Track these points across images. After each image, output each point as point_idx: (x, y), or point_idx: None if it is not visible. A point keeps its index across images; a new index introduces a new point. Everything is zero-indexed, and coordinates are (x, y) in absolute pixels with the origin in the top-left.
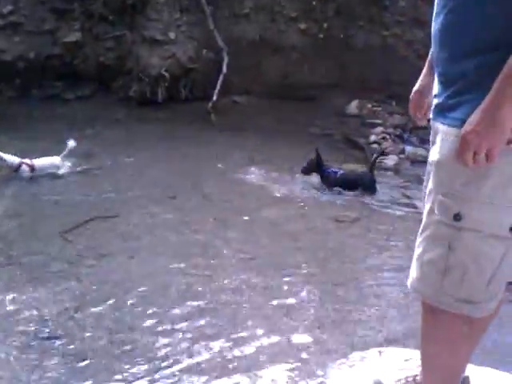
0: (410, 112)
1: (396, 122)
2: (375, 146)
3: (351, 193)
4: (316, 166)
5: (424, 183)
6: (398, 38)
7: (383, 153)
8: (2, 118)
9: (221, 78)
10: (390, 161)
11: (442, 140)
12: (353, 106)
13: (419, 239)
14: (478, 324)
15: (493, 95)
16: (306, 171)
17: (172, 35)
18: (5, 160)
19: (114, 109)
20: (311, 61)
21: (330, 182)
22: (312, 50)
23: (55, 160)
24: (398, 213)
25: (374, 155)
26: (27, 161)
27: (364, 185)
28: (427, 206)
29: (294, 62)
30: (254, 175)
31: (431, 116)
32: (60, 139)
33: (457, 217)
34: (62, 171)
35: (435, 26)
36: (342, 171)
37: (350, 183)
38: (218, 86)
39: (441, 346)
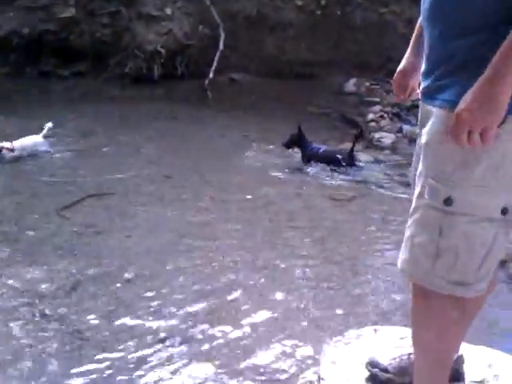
0: (395, 93)
1: (394, 100)
2: (373, 124)
3: (349, 172)
4: (298, 141)
5: (412, 164)
6: (396, 15)
7: (361, 132)
8: None
9: (217, 54)
10: (388, 139)
11: (432, 123)
12: (351, 84)
13: (409, 221)
14: (469, 306)
15: (489, 73)
16: (288, 145)
17: (168, 11)
18: None
19: (109, 86)
20: (308, 38)
21: (312, 157)
22: (309, 27)
23: (37, 139)
24: (395, 192)
25: (355, 135)
26: (7, 144)
27: (344, 161)
28: (417, 189)
29: (291, 39)
30: (250, 154)
31: (420, 97)
32: (54, 116)
33: (447, 201)
34: (45, 149)
35: (424, 3)
36: (323, 147)
37: (331, 159)
38: (215, 63)
39: (432, 330)
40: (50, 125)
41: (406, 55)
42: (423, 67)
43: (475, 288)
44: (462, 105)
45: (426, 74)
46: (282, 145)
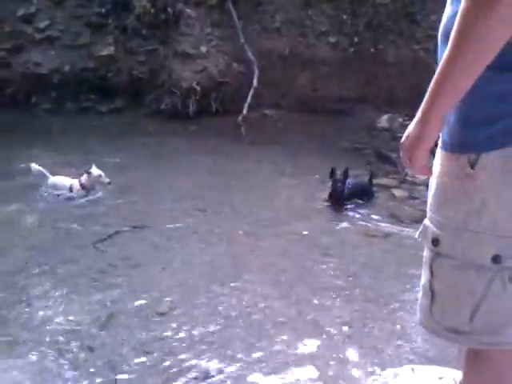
0: None
1: None
2: None
3: (382, 208)
4: (342, 187)
5: None
6: (428, 52)
7: (372, 174)
8: (36, 129)
9: (251, 91)
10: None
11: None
12: (383, 120)
13: None
14: (502, 364)
15: (420, 110)
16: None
17: (203, 49)
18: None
19: (145, 121)
20: (341, 74)
21: (344, 194)
22: (342, 64)
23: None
24: None
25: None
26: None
27: (368, 194)
28: None
29: (325, 76)
30: (283, 188)
31: None
32: (91, 151)
33: (434, 242)
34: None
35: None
36: (349, 182)
37: (358, 193)
38: (249, 99)
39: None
40: (95, 170)
41: None
42: None
43: (477, 340)
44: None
45: None
46: (329, 198)
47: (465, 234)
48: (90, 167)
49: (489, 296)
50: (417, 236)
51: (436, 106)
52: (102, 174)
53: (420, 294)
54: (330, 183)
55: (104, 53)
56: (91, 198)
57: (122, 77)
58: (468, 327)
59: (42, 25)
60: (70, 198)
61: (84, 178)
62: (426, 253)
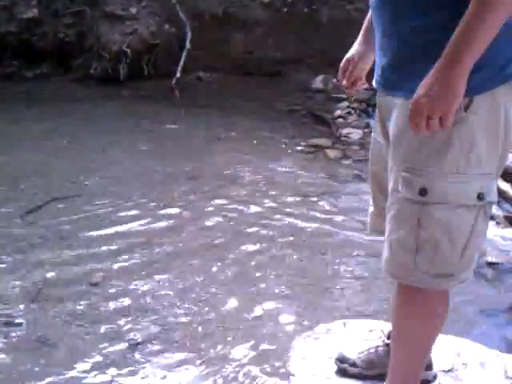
0: (340, 80)
1: (361, 96)
2: (341, 120)
3: (317, 168)
4: None
5: (370, 159)
6: (361, 12)
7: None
8: None
9: (184, 53)
10: (356, 135)
11: (397, 116)
12: (318, 81)
13: (387, 219)
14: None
15: (446, 56)
16: None
17: (133, 10)
18: None
19: (74, 87)
20: (276, 36)
21: None
22: (276, 25)
23: None
24: (366, 187)
25: None
26: None
27: None
28: (390, 185)
29: (259, 37)
30: (219, 153)
31: (377, 89)
32: (17, 118)
33: (422, 192)
34: None
35: None
36: None
37: None
38: (182, 62)
39: (416, 323)
40: None
41: (356, 43)
42: (377, 57)
43: (459, 279)
44: (419, 90)
45: (382, 64)
46: None
47: (453, 178)
48: None
49: (474, 233)
50: (401, 190)
51: (464, 61)
52: None
53: (393, 250)
54: None
55: (27, 15)
56: None
57: (48, 41)
58: (458, 266)
59: None
60: None
61: None
62: (403, 207)
